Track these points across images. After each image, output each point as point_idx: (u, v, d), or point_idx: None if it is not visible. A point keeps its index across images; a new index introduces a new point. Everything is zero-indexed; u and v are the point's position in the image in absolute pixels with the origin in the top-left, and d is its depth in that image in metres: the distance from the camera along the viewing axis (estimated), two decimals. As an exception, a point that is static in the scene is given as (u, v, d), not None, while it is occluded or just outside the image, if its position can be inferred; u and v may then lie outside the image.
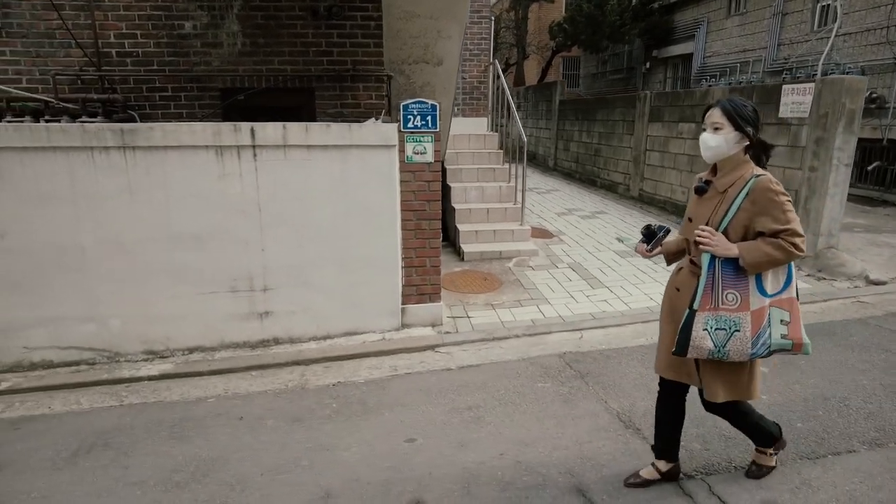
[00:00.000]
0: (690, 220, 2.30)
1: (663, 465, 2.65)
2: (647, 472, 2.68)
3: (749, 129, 2.09)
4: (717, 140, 2.11)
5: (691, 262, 2.30)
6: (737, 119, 2.08)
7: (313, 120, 5.19)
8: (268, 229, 4.21)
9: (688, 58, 12.84)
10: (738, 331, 2.10)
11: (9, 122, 4.58)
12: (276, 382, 3.96)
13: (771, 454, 2.63)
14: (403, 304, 4.57)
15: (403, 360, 4.22)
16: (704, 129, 2.18)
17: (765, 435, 2.57)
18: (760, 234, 2.08)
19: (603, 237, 7.08)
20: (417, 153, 4.30)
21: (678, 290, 2.33)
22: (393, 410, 3.49)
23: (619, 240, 6.91)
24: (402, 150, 4.29)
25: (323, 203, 4.24)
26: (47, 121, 4.71)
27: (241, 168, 4.08)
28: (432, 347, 4.37)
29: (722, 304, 2.11)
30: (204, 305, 4.27)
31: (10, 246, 3.97)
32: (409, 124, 4.23)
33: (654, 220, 2.48)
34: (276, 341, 4.44)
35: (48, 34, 4.86)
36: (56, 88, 4.82)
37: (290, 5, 5.02)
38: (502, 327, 4.64)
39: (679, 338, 2.19)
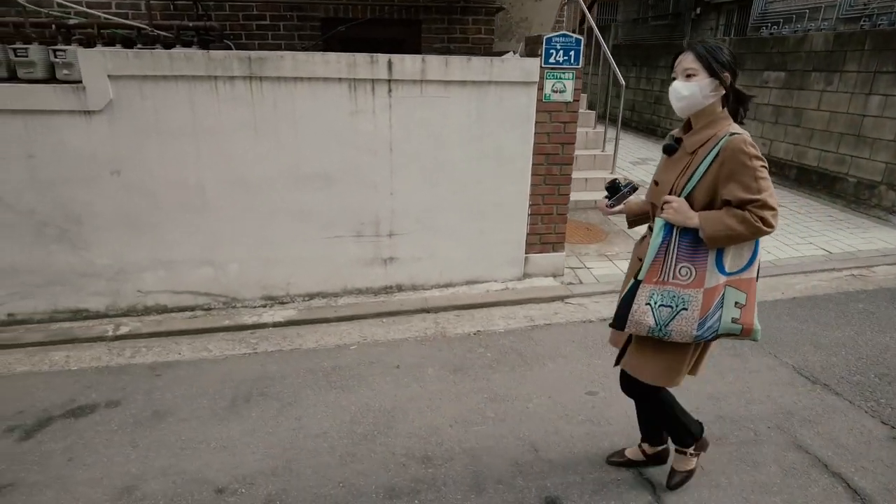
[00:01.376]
0: (657, 183, 2.00)
1: (648, 448, 2.45)
2: (632, 452, 2.51)
3: (725, 75, 1.80)
4: (690, 88, 1.81)
5: (650, 229, 2.02)
6: (711, 63, 1.79)
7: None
8: (398, 171, 3.97)
9: (745, 4, 12.21)
10: (685, 309, 1.83)
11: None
12: (413, 330, 3.80)
13: (691, 455, 2.32)
14: (526, 252, 4.38)
15: (535, 310, 4.06)
16: (674, 78, 1.88)
17: (685, 432, 2.25)
18: (727, 204, 1.79)
19: (689, 188, 6.84)
20: (556, 91, 4.01)
21: (640, 260, 2.01)
22: (555, 362, 3.36)
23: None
24: (539, 88, 3.99)
25: (456, 144, 3.98)
26: (54, 51, 4.34)
27: (375, 104, 3.79)
28: (561, 298, 4.21)
29: (673, 277, 1.85)
30: (328, 250, 4.06)
31: (127, 182, 3.72)
32: (551, 59, 3.92)
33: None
34: (399, 288, 4.27)
35: (138, -48, 4.44)
36: (150, 14, 4.44)
37: (401, -75, 4.59)
38: (626, 279, 4.47)
39: (618, 310, 1.94)
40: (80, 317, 4.00)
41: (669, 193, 1.90)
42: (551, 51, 3.91)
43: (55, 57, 4.36)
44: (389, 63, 3.70)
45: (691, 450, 2.31)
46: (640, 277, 1.90)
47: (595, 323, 3.87)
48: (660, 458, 2.45)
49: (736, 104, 1.88)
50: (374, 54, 3.68)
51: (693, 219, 1.80)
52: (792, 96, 7.02)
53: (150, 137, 3.66)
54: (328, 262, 4.10)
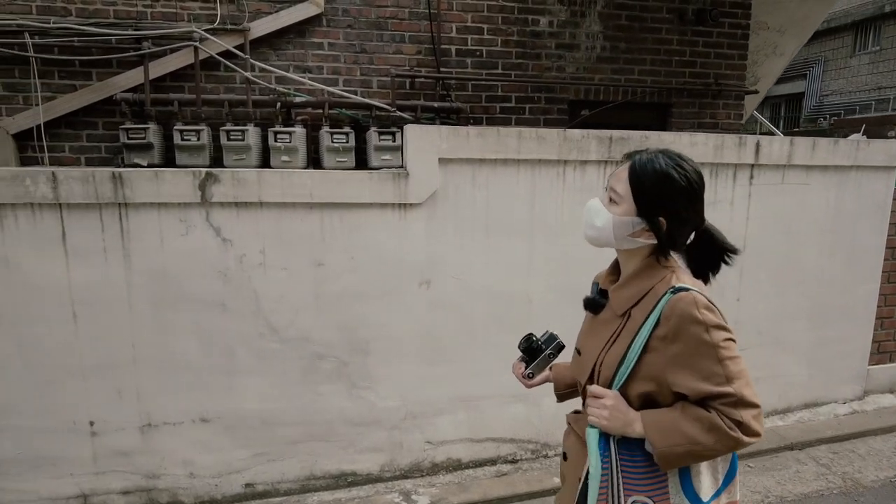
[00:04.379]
0: (579, 352, 1.40)
1: None
2: None
3: (659, 220, 1.20)
4: (603, 218, 1.25)
5: (572, 419, 1.45)
6: (642, 194, 1.20)
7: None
8: (747, 272, 3.24)
9: (793, 97, 12.80)
10: None
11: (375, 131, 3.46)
12: (802, 479, 2.94)
13: None
14: (868, 364, 3.64)
15: (915, 441, 3.26)
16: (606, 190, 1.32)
17: None
18: (682, 398, 1.18)
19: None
20: (906, 177, 3.48)
21: (565, 457, 1.44)
22: None
23: None
24: (886, 174, 3.46)
25: (808, 239, 3.32)
26: (378, 133, 3.62)
27: (735, 193, 3.13)
28: (931, 423, 3.43)
29: None
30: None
31: (437, 295, 2.83)
32: (904, 142, 3.42)
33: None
34: (735, 419, 3.39)
35: (378, 24, 3.80)
36: (394, 92, 3.74)
37: (658, 6, 4.18)
38: (966, 392, 3.77)
39: None
40: (344, 483, 2.90)
41: (592, 373, 1.28)
42: (905, 133, 3.42)
43: (276, 140, 3.55)
44: (757, 145, 3.08)
45: None
46: None
47: None
48: None
49: (710, 254, 1.26)
50: (743, 136, 3.07)
51: (634, 424, 1.18)
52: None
53: (474, 237, 2.83)
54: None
